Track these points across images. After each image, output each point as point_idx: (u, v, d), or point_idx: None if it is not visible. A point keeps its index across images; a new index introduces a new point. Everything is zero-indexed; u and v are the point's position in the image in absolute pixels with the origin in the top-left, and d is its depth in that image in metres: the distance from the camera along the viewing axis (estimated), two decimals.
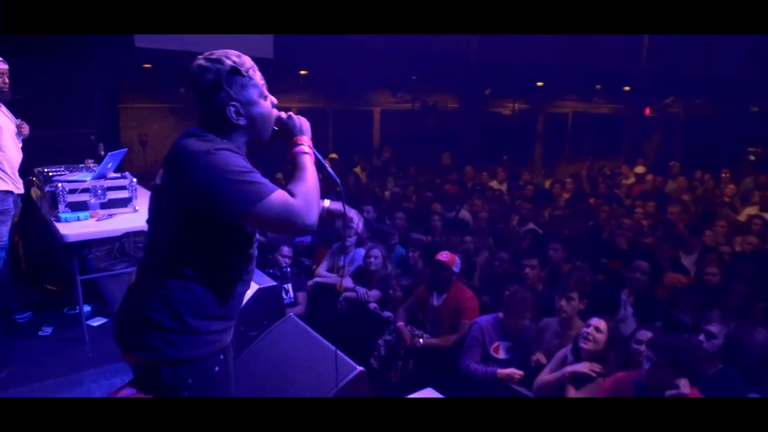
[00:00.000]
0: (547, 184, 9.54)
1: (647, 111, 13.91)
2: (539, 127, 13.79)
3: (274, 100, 1.65)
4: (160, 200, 1.54)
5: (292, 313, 3.23)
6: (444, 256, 3.94)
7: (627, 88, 13.82)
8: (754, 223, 5.94)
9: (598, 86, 13.70)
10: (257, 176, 1.45)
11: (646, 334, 3.01)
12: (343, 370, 2.35)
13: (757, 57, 12.76)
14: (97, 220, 3.57)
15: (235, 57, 1.53)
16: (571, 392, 2.90)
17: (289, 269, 4.46)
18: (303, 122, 1.67)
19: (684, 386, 2.31)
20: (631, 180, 8.89)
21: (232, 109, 1.53)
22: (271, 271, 4.28)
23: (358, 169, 9.72)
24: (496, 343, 3.52)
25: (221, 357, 1.59)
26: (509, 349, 3.50)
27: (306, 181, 1.52)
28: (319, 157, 1.66)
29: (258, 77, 1.58)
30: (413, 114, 11.10)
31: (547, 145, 13.91)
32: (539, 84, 12.47)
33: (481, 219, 6.26)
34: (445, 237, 5.03)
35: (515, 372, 3.26)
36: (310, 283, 4.95)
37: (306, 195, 1.49)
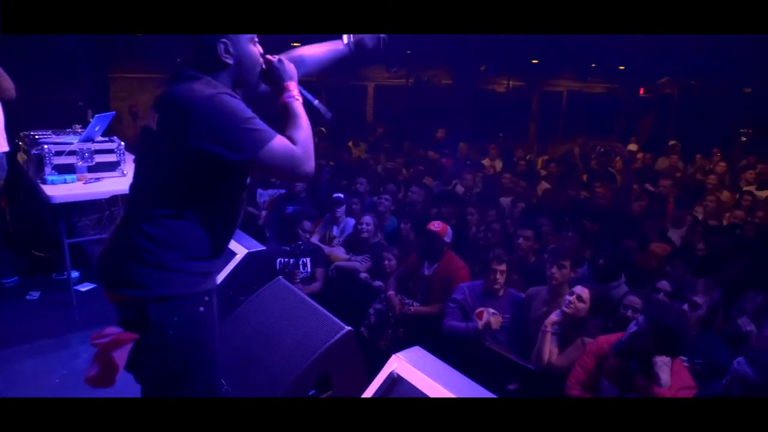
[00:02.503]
0: (539, 162, 9.54)
1: (641, 91, 13.85)
2: (533, 105, 13.72)
3: (261, 50, 1.68)
4: (155, 143, 1.55)
5: (281, 277, 3.21)
6: (436, 226, 3.94)
7: (622, 68, 13.72)
8: (744, 199, 5.99)
9: (593, 65, 13.60)
10: (260, 122, 1.50)
11: (634, 300, 3.04)
12: (331, 330, 2.35)
13: (749, 40, 12.70)
14: (85, 183, 3.52)
15: None
16: (554, 355, 2.93)
17: (304, 244, 4.34)
18: (291, 68, 1.72)
19: (661, 364, 2.27)
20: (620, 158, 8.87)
21: (222, 46, 1.55)
22: (288, 248, 4.20)
23: (350, 144, 9.66)
24: (480, 309, 3.52)
25: (206, 298, 1.62)
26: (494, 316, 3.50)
27: (303, 129, 1.59)
28: (309, 96, 1.73)
29: None
30: (407, 89, 11.00)
31: (542, 124, 13.86)
32: (534, 62, 12.37)
33: (474, 194, 6.26)
34: (436, 209, 5.02)
35: (495, 317, 3.29)
36: None
37: (305, 142, 1.56)
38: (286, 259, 4.20)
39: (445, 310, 3.62)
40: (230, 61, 1.58)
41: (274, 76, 1.69)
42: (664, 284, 3.10)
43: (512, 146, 10.38)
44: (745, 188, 6.60)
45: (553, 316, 3.13)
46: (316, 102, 1.76)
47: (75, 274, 3.93)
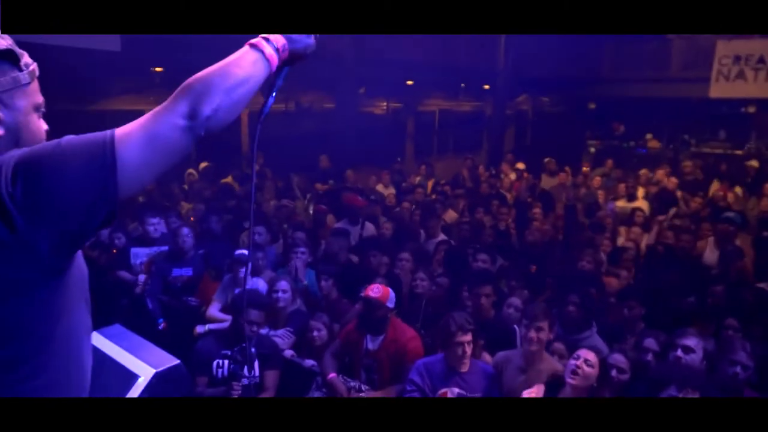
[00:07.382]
0: (430, 185, 9.42)
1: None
2: (409, 125, 13.78)
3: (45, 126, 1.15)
4: None
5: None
6: (375, 291, 3.32)
7: (487, 87, 14.38)
8: (636, 215, 6.26)
9: (463, 85, 14.07)
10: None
11: (620, 360, 2.75)
12: None
13: (593, 58, 14.07)
14: None
15: (10, 42, 1.04)
16: None
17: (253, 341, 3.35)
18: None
19: None
20: (512, 177, 9.06)
21: None
22: (229, 351, 3.26)
23: (229, 179, 8.66)
24: (443, 390, 3.01)
25: None
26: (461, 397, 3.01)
27: (239, 67, 1.14)
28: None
29: (37, 89, 1.09)
30: (287, 115, 10.26)
31: (417, 143, 14.00)
32: (409, 83, 12.38)
33: (385, 232, 5.78)
34: (362, 258, 4.41)
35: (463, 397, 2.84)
36: (200, 330, 4.04)
37: (220, 74, 1.10)
38: (222, 361, 3.31)
39: (404, 394, 3.05)
40: None
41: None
42: (650, 342, 2.85)
43: (400, 169, 10.18)
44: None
45: (538, 391, 2.74)
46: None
47: None
